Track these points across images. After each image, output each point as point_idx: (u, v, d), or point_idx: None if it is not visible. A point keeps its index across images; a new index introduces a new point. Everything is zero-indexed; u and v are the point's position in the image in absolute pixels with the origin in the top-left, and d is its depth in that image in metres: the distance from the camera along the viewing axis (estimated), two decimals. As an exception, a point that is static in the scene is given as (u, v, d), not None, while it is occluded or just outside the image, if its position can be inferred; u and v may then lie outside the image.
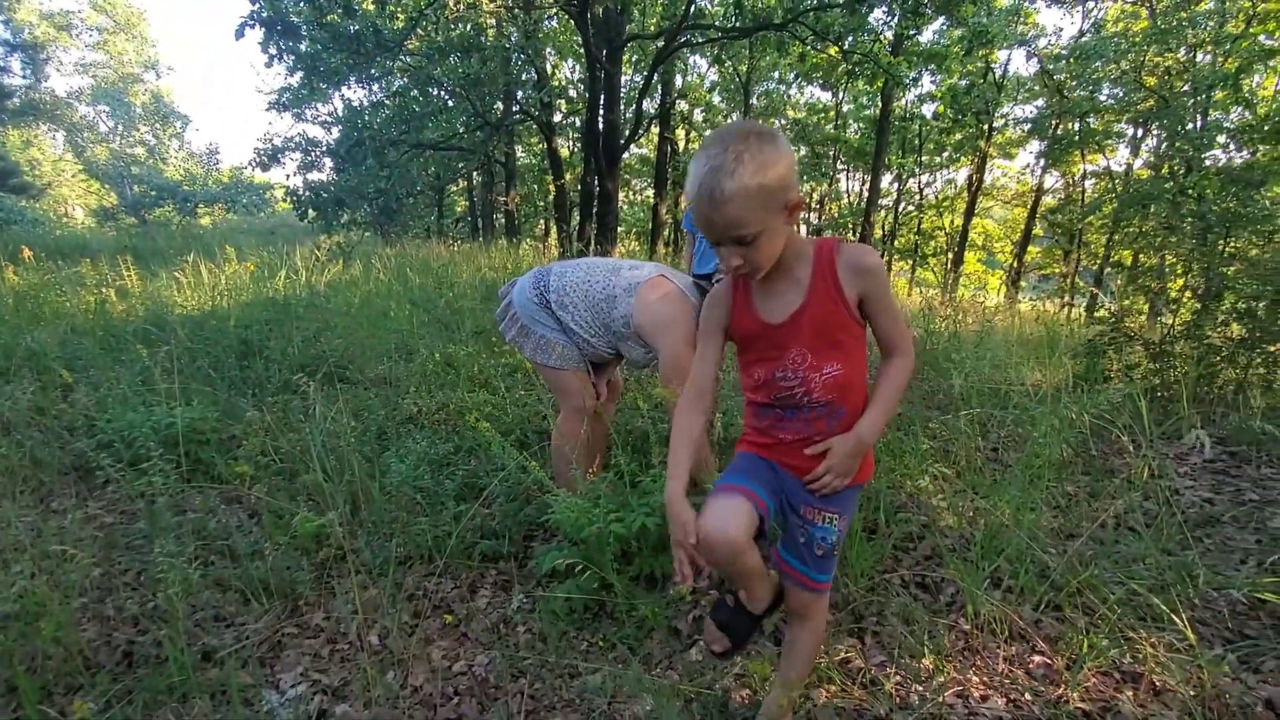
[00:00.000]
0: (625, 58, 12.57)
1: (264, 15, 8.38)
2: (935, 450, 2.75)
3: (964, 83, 14.54)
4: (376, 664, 1.74)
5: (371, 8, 8.02)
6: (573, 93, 15.19)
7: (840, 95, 18.93)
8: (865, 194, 18.15)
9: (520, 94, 12.53)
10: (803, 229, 24.03)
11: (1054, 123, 15.43)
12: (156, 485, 2.16)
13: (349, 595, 1.97)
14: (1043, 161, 17.08)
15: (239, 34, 8.19)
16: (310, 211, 10.31)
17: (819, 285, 1.20)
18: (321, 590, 2.06)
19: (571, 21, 9.97)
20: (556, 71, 16.24)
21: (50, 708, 1.55)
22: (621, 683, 1.71)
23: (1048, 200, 18.11)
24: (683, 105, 17.21)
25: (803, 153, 20.93)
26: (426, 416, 3.34)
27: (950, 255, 19.34)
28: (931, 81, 16.19)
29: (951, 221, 20.29)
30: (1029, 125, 16.96)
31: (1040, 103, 16.41)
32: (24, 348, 3.90)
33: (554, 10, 9.56)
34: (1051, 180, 18.10)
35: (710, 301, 1.34)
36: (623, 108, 10.96)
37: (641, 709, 1.64)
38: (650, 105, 13.83)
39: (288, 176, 12.36)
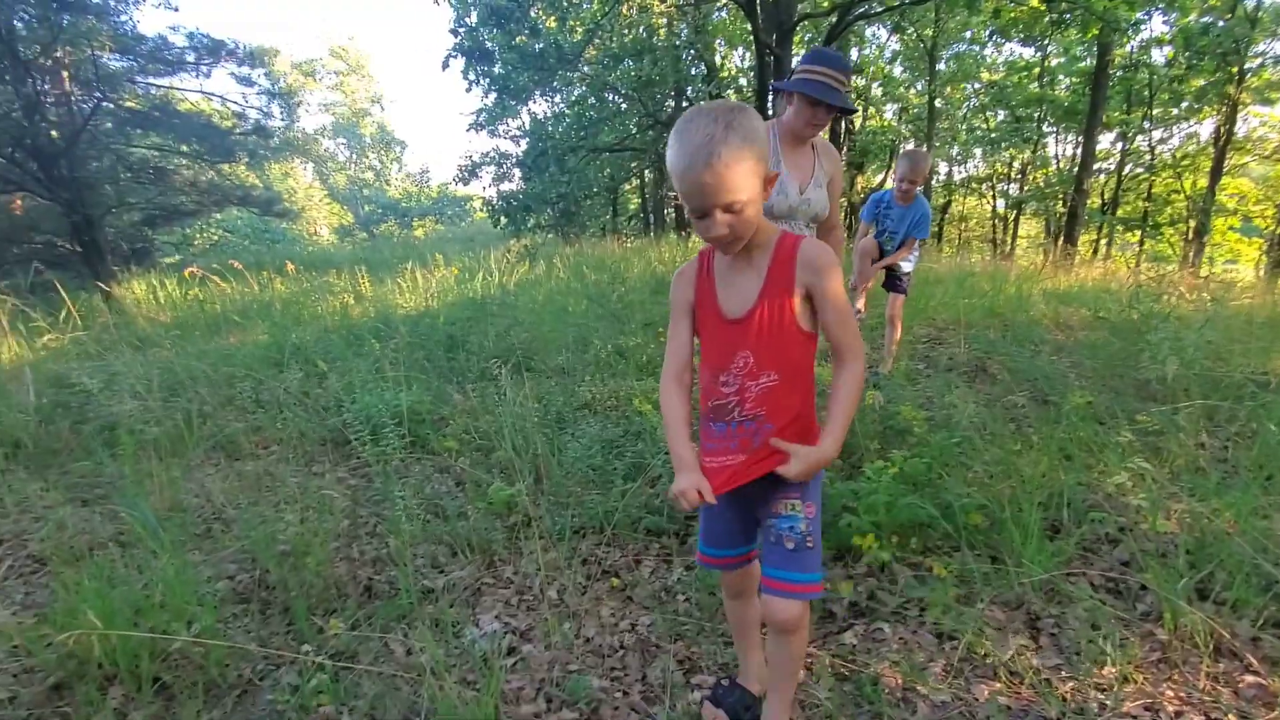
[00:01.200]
0: (796, 38, 12.24)
1: (465, 46, 9.40)
2: (1140, 445, 2.45)
3: (1204, 20, 12.16)
4: (556, 615, 1.98)
5: (553, 25, 8.66)
6: (743, 81, 15.10)
7: (1048, 49, 16.76)
8: (1076, 158, 15.93)
9: (690, 90, 12.74)
10: (1000, 202, 21.67)
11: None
12: (389, 454, 2.61)
13: (534, 556, 2.25)
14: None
15: (445, 65, 9.29)
16: (502, 218, 11.40)
17: (776, 275, 1.21)
18: (512, 549, 2.36)
19: (741, 10, 9.94)
20: (726, 62, 16.21)
21: (314, 623, 1.97)
22: (774, 655, 1.78)
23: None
24: (859, 81, 16.33)
25: (1000, 118, 18.86)
26: (599, 402, 3.61)
27: (1192, 223, 16.33)
28: (1164, 22, 13.77)
29: (1193, 183, 17.09)
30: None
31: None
32: (290, 344, 4.82)
33: (724, 2, 9.59)
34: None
35: (679, 279, 1.35)
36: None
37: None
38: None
39: (484, 188, 13.72)
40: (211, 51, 10.41)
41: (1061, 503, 2.13)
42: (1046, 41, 16.23)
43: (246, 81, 11.32)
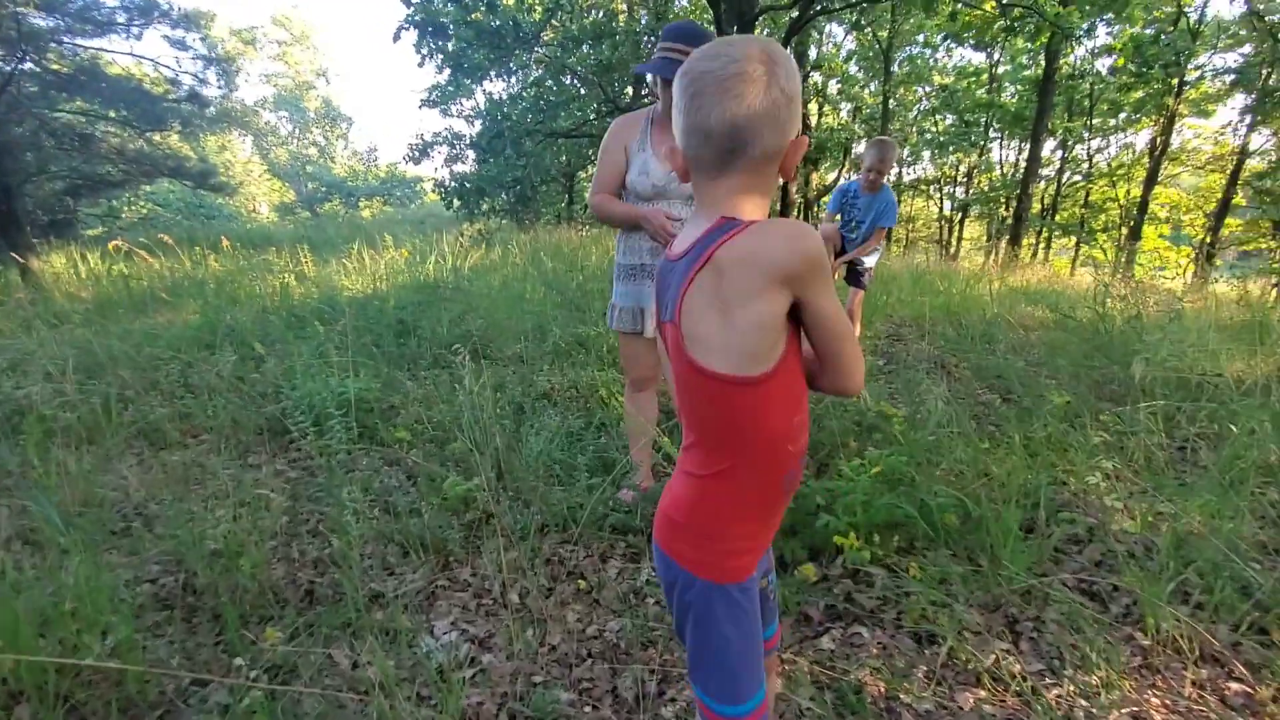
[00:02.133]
0: (756, 31, 12.22)
1: (417, 19, 9.01)
2: (1108, 445, 2.46)
3: (1150, 31, 12.70)
4: (518, 621, 1.85)
5: (511, 2, 8.37)
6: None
7: (995, 56, 17.28)
8: (1021, 164, 16.47)
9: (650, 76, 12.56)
10: (947, 204, 22.32)
11: (1264, 72, 13.13)
12: (334, 446, 2.42)
13: (493, 556, 2.10)
14: (1249, 118, 14.61)
15: (396, 37, 8.88)
16: (455, 201, 11.02)
17: None
18: (469, 549, 2.21)
19: (702, -1, 9.84)
20: (686, 52, 16.08)
21: (247, 634, 1.79)
22: (751, 662, 1.69)
23: (1253, 164, 15.50)
24: (816, 78, 16.48)
25: (948, 122, 19.37)
26: (559, 393, 3.48)
27: (1124, 230, 17.13)
28: (1107, 33, 14.31)
29: (1127, 192, 17.94)
30: (1232, 77, 14.53)
31: (1248, 49, 14.01)
32: (224, 325, 4.50)
33: (685, -12, 9.46)
34: (1260, 140, 15.46)
35: None
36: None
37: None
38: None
39: (435, 169, 13.29)
40: (143, 12, 9.70)
41: (1033, 503, 2.11)
42: (996, 47, 16.73)
43: (180, 45, 10.61)
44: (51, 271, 7.26)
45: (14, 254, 7.20)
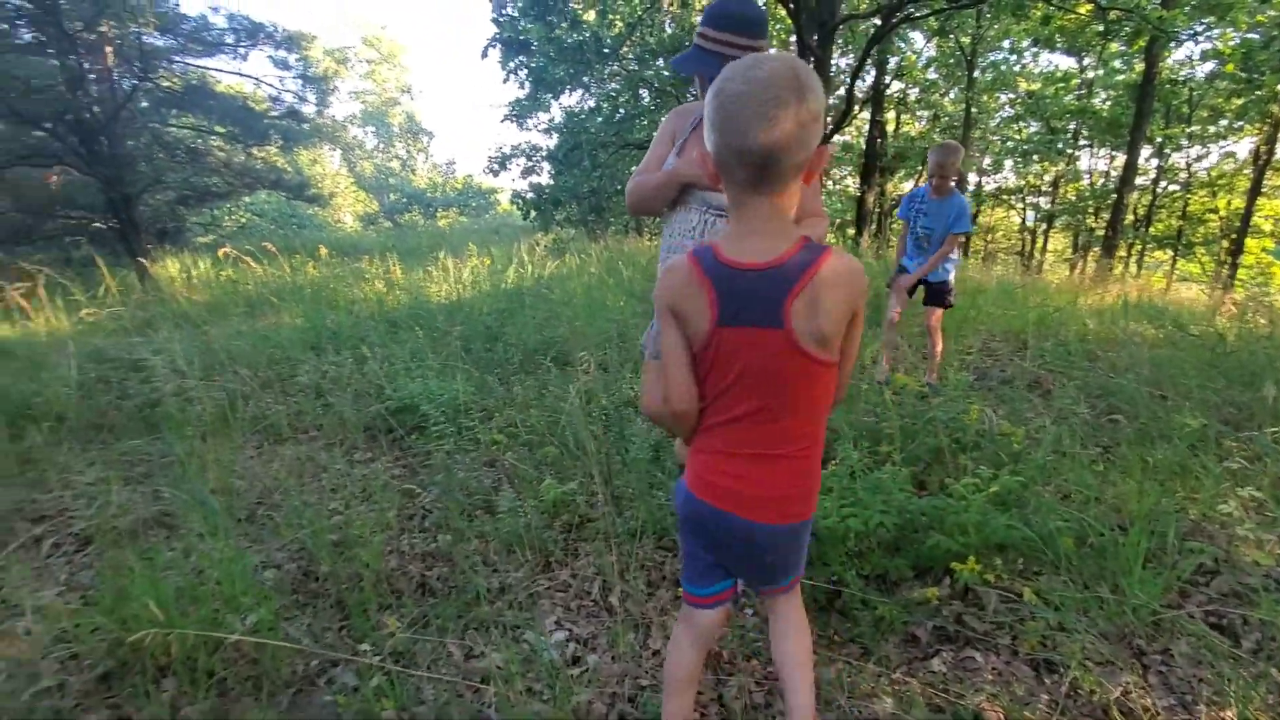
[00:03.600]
0: (835, 39, 12.07)
1: (504, 36, 9.33)
2: (1236, 472, 2.30)
3: (1255, 36, 11.83)
4: (620, 624, 1.88)
5: (592, 18, 8.56)
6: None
7: (1087, 61, 16.44)
8: (1114, 172, 15.59)
9: (724, 88, 12.56)
10: (1029, 215, 21.33)
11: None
12: (436, 445, 2.52)
13: (592, 559, 2.15)
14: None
15: (484, 54, 9.23)
16: (532, 211, 11.31)
17: None
18: (568, 551, 2.26)
19: (781, 8, 9.79)
20: (759, 62, 16.02)
21: (367, 621, 1.88)
22: (859, 680, 1.67)
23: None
24: (896, 86, 16.10)
25: (1033, 129, 18.53)
26: (638, 404, 3.51)
27: (1226, 243, 15.94)
28: (1206, 37, 13.40)
29: (1229, 203, 16.72)
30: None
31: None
32: (325, 328, 4.76)
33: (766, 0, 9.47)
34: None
35: None
36: (830, 93, 10.54)
37: (881, 709, 1.59)
38: (859, 88, 13.15)
39: (512, 181, 13.69)
40: (251, 34, 10.42)
41: (1159, 529, 1.99)
42: (1088, 53, 15.92)
43: (283, 65, 11.33)
44: (166, 275, 7.87)
45: (135, 259, 7.84)
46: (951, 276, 3.86)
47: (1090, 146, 18.75)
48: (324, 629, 1.86)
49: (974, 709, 1.54)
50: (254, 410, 3.28)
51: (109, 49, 7.96)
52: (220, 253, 7.10)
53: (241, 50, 11.01)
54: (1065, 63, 17.26)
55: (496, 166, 12.45)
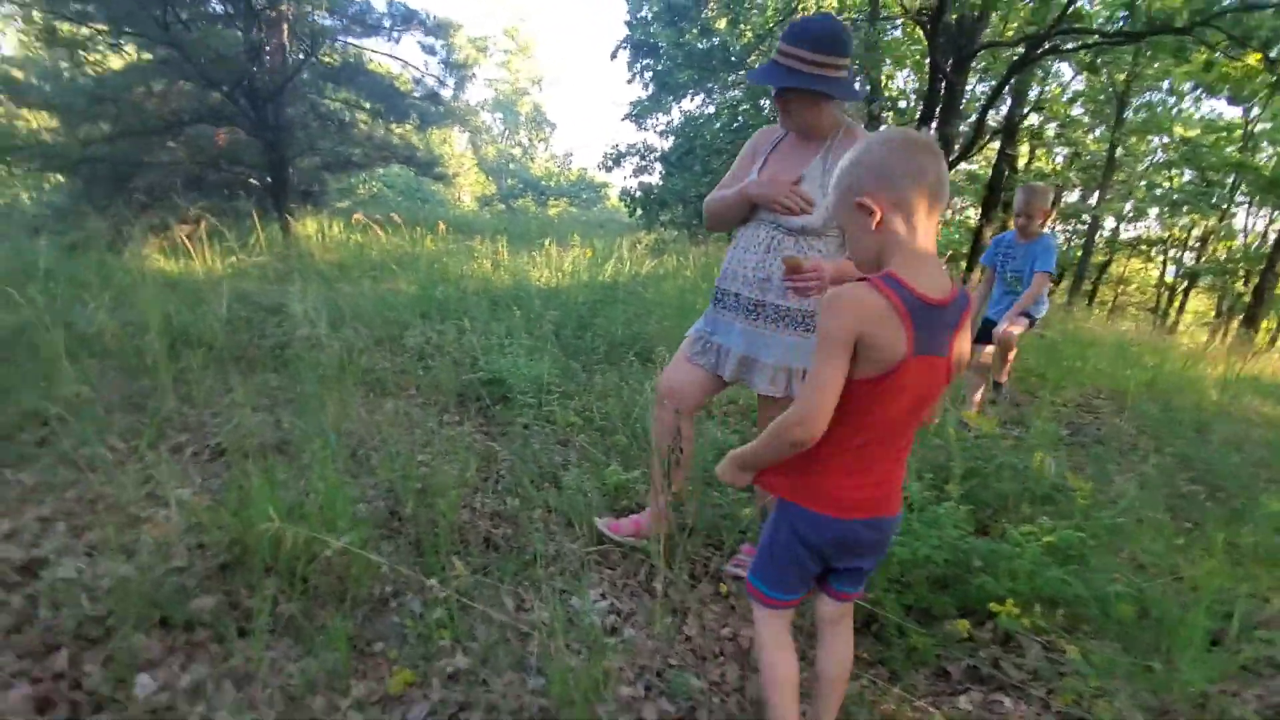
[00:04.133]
0: (974, 65, 11.60)
1: (635, 39, 9.63)
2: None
3: None
4: (659, 606, 2.01)
5: (723, 26, 8.69)
6: (902, 104, 14.50)
7: (1254, 112, 14.91)
8: (1271, 235, 14.08)
9: (848, 105, 12.37)
10: (1170, 268, 19.57)
11: None
12: (517, 417, 2.74)
13: (641, 544, 2.28)
14: None
15: (613, 55, 9.57)
16: (638, 209, 11.58)
17: None
18: (622, 533, 2.41)
19: (917, 30, 9.55)
20: (889, 82, 15.63)
21: (438, 561, 2.10)
22: (881, 699, 1.71)
23: None
24: (1034, 119, 15.23)
25: (1186, 178, 17.01)
26: (718, 405, 3.61)
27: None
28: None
29: None
30: None
31: None
32: (435, 298, 5.15)
33: (902, 20, 9.26)
34: None
35: None
36: (960, 120, 10.16)
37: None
38: (993, 117, 12.55)
39: (624, 178, 14.05)
40: (405, 19, 11.23)
41: (1226, 612, 1.90)
42: (1258, 104, 14.43)
43: (430, 50, 12.13)
44: (305, 233, 8.67)
45: (282, 216, 8.69)
46: (1041, 313, 3.75)
47: (1248, 204, 17.00)
48: (401, 562, 2.09)
49: (992, 748, 1.56)
50: (366, 363, 3.63)
51: (285, 26, 8.87)
52: (354, 218, 7.76)
53: (395, 34, 11.89)
54: (1230, 112, 15.73)
55: (611, 162, 12.83)
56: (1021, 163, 15.92)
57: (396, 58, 12.78)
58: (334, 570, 1.94)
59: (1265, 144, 15.23)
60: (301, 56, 9.75)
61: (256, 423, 2.76)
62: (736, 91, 12.26)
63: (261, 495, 1.90)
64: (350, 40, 11.69)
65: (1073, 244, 18.61)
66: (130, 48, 9.11)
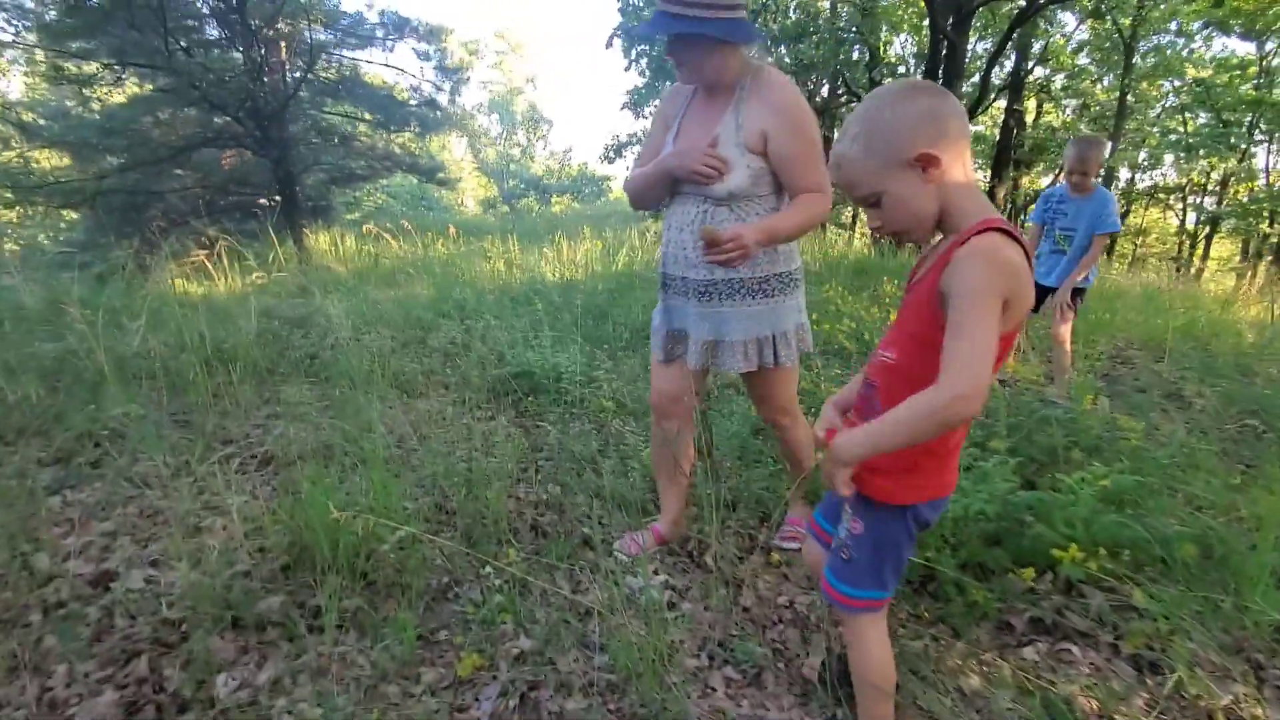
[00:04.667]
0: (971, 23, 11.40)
1: (629, 25, 9.58)
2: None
3: None
4: (714, 580, 2.01)
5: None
6: (901, 70, 14.31)
7: (1268, 46, 14.51)
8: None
9: (846, 74, 12.23)
10: (1191, 217, 19.17)
11: None
12: (550, 407, 2.75)
13: (688, 522, 2.29)
14: None
15: (608, 43, 9.53)
16: (644, 198, 11.51)
17: (941, 264, 1.07)
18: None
19: (914, -7, 9.40)
20: (886, 48, 15.41)
21: (490, 550, 2.12)
22: (946, 655, 1.71)
23: None
24: (1039, 72, 14.95)
25: (1200, 120, 16.62)
26: (740, 384, 3.60)
27: None
28: None
29: None
30: None
31: None
32: (452, 299, 5.18)
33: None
34: None
35: None
36: (964, 80, 10.00)
37: (967, 685, 1.62)
38: (997, 75, 12.33)
39: (626, 168, 13.99)
40: (398, 28, 11.27)
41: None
42: (1269, 38, 14.04)
43: (425, 57, 12.16)
44: (318, 248, 8.76)
45: (295, 232, 8.78)
46: (1089, 281, 3.60)
47: (1268, 142, 16.56)
48: (453, 553, 2.11)
49: (1066, 697, 1.55)
50: (394, 367, 3.66)
51: (283, 44, 8.94)
52: (365, 229, 7.82)
53: (389, 43, 11.93)
54: (1243, 48, 15.31)
55: (612, 153, 12.80)
56: (1030, 118, 15.65)
57: (392, 65, 12.86)
58: (391, 564, 1.97)
59: (1281, 79, 14.84)
60: (299, 74, 9.83)
61: (297, 430, 2.80)
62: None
63: (315, 496, 1.93)
64: (345, 54, 11.73)
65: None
66: (133, 80, 9.24)
